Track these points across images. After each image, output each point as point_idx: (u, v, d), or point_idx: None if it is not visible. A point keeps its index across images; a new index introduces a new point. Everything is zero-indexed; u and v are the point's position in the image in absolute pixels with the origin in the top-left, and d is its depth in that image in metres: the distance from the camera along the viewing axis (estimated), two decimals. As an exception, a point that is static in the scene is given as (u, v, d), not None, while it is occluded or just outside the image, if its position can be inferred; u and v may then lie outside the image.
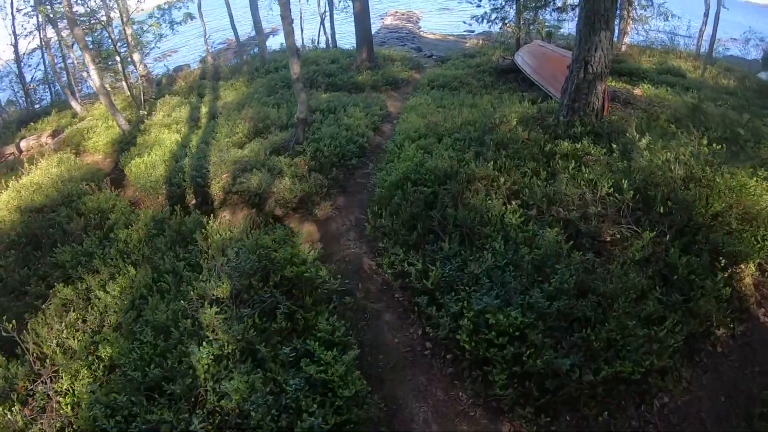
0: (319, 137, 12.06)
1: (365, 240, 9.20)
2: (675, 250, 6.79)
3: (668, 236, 7.12)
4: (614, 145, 9.01)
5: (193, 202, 11.49)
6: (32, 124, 23.07)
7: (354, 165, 11.82)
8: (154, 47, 21.27)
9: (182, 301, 7.04)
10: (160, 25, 20.83)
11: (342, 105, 15.20)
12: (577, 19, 19.72)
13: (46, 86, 26.98)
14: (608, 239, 7.42)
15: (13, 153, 20.06)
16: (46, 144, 20.00)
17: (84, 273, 8.77)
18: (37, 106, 26.76)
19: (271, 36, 34.99)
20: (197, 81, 22.54)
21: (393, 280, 7.88)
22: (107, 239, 10.00)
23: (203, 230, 8.95)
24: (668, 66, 21.28)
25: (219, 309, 6.61)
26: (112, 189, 13.95)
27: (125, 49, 20.65)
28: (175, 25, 22.33)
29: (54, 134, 20.37)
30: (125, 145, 16.47)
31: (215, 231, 8.93)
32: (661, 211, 7.25)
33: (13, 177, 15.07)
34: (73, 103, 22.15)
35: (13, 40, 25.09)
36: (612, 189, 7.71)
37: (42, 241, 10.97)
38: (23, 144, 20.40)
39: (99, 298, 7.91)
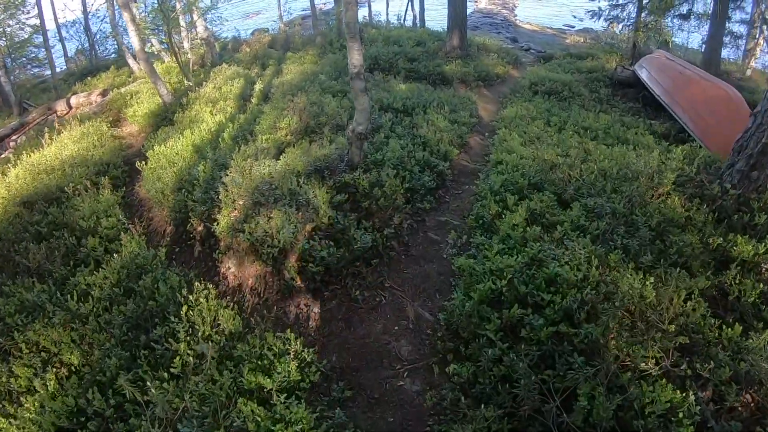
0: (381, 158, 8.15)
1: (424, 363, 5.38)
2: None
3: None
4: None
5: (200, 228, 7.88)
6: (89, 78, 20.16)
7: (426, 209, 7.91)
8: (212, 7, 17.73)
9: None
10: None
11: (422, 104, 11.29)
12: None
13: (114, 39, 24.03)
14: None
15: (55, 111, 17.15)
16: (95, 102, 17.11)
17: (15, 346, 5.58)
18: (106, 57, 23.95)
19: (359, 6, 31.03)
20: (264, 49, 18.89)
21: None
22: (69, 282, 6.69)
23: (174, 319, 5.33)
24: None
25: None
26: (126, 183, 10.76)
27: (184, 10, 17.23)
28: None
29: (104, 93, 17.40)
30: (162, 120, 13.25)
31: (192, 319, 5.32)
32: None
33: (26, 150, 12.02)
34: (130, 61, 18.99)
35: (81, -10, 22.26)
36: None
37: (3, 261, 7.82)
38: (73, 100, 17.55)
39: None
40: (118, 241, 7.44)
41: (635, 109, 12.84)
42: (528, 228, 6.03)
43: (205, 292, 5.76)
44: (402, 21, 23.02)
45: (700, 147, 9.86)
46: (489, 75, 15.21)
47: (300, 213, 6.74)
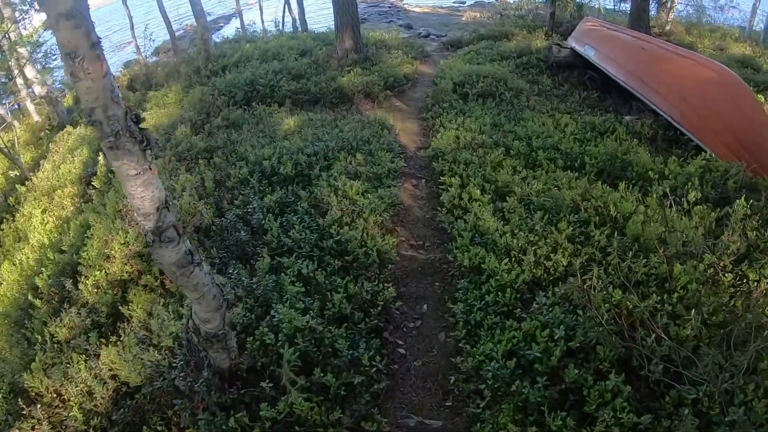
0: (273, 341, 3.69)
1: None
2: None
3: None
4: None
5: None
6: None
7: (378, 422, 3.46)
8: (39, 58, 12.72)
9: None
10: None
11: (323, 154, 6.89)
12: None
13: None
14: None
15: None
16: None
17: None
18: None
19: (233, 18, 25.88)
20: (122, 92, 13.83)
21: None
22: None
23: None
24: (732, 53, 13.11)
25: None
26: None
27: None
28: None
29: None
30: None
31: None
32: None
33: None
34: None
35: None
36: None
37: None
38: None
39: None
40: None
41: (593, 99, 9.06)
42: None
43: None
44: (281, 27, 18.22)
45: (711, 155, 6.31)
46: (398, 79, 10.95)
47: None
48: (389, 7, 22.80)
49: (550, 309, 3.72)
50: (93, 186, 8.28)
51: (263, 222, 5.19)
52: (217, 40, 17.60)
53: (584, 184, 5.30)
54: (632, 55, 8.36)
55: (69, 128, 11.61)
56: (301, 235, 4.95)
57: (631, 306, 3.55)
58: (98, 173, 8.61)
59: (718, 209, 4.77)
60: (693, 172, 5.75)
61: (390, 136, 8.00)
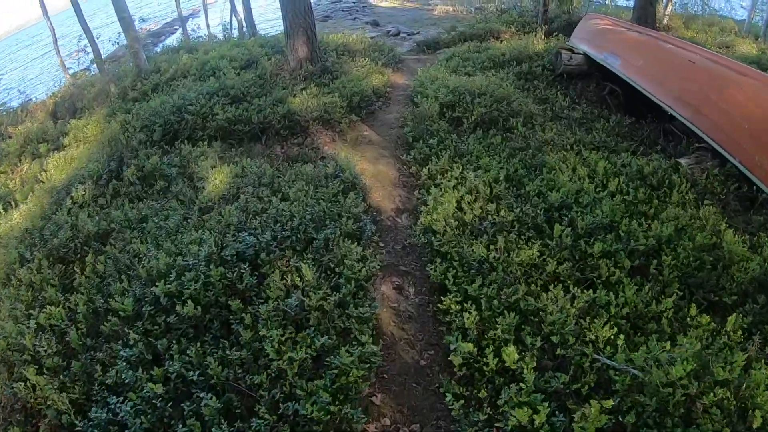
0: None
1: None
2: None
3: None
4: None
5: None
6: None
7: None
8: None
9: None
10: None
11: (252, 257, 4.12)
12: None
13: None
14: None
15: None
16: None
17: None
18: None
19: (192, 18, 22.61)
20: (45, 121, 10.70)
21: None
22: None
23: None
24: (741, 52, 10.71)
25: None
26: None
27: None
28: None
29: None
30: None
31: None
32: None
33: None
34: None
35: None
36: None
37: None
38: None
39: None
40: None
41: (626, 127, 6.42)
42: None
43: None
44: (228, 31, 15.10)
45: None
46: (365, 97, 8.19)
47: None
48: (353, 2, 19.81)
49: None
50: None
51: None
52: (158, 49, 14.54)
53: (697, 355, 2.78)
54: (677, 70, 5.80)
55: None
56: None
57: None
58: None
59: None
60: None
61: (358, 201, 5.29)
